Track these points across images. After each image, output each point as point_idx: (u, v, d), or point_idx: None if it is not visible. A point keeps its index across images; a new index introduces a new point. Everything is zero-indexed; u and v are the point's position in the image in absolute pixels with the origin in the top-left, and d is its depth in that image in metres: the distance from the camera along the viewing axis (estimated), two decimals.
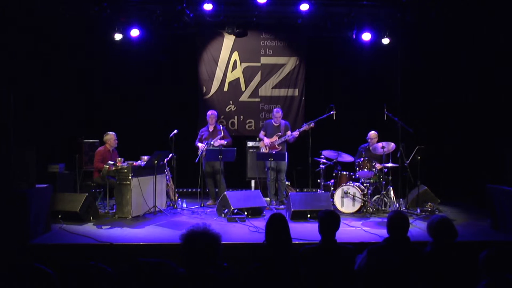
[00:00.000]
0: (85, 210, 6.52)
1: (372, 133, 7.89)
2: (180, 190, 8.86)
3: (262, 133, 8.21)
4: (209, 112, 8.22)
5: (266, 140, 8.01)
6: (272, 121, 8.13)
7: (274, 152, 7.81)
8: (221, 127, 8.07)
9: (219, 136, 7.90)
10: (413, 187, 7.61)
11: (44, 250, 5.13)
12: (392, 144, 7.40)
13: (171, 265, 2.74)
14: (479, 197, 7.06)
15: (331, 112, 7.91)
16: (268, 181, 7.96)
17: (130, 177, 6.75)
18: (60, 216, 6.36)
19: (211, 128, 8.06)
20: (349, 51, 9.07)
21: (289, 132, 7.93)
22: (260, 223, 6.23)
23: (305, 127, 7.82)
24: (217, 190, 7.99)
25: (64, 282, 2.60)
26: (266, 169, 8.03)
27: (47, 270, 2.55)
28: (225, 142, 7.95)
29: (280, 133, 7.99)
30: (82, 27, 8.41)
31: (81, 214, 6.42)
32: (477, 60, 8.39)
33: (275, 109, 8.23)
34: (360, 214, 7.15)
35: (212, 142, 7.90)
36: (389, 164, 7.41)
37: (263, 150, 8.06)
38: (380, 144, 7.37)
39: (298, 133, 7.84)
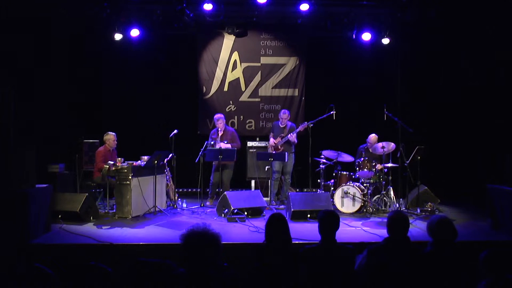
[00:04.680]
0: (85, 210, 6.52)
1: (373, 137, 7.88)
2: (180, 190, 8.85)
3: (271, 134, 8.28)
4: (216, 116, 8.10)
5: (271, 141, 8.08)
6: (279, 122, 8.16)
7: (274, 152, 7.82)
8: (231, 131, 8.08)
9: (218, 140, 7.87)
10: (413, 187, 7.61)
11: (44, 250, 5.12)
12: (392, 144, 7.40)
13: (171, 265, 2.74)
14: (479, 197, 7.06)
15: (331, 112, 7.91)
16: (273, 180, 7.96)
17: (130, 177, 6.75)
18: (60, 216, 6.35)
19: (220, 132, 7.96)
20: (349, 51, 9.06)
21: (292, 134, 7.94)
22: (260, 223, 6.22)
23: (300, 128, 7.83)
24: (219, 190, 7.89)
25: (64, 282, 2.60)
26: (272, 171, 7.96)
27: (47, 270, 2.55)
28: (230, 146, 7.85)
29: (282, 135, 8.01)
30: (82, 27, 8.41)
31: (81, 214, 6.41)
32: (477, 59, 8.39)
33: (282, 111, 8.22)
34: (360, 214, 7.14)
35: (212, 143, 7.90)
36: (389, 164, 7.41)
37: (270, 150, 8.09)
38: (380, 144, 7.36)
39: (293, 135, 7.86)
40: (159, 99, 9.39)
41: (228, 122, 9.23)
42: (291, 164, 8.01)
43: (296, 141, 7.94)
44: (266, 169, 8.08)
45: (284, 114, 8.08)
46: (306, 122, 7.86)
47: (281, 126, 8.10)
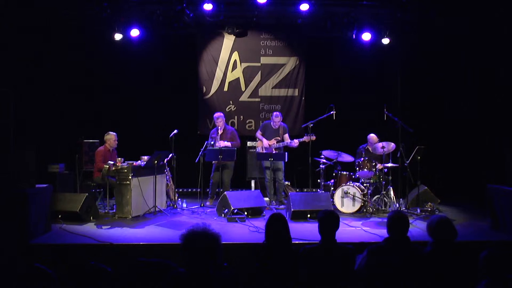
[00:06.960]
0: (85, 210, 6.52)
1: (374, 136, 7.86)
2: (180, 190, 8.86)
3: (259, 133, 8.20)
4: (216, 115, 8.09)
5: (265, 142, 8.01)
6: (271, 123, 8.12)
7: (274, 152, 7.81)
8: (231, 130, 8.06)
9: (218, 139, 7.87)
10: (413, 187, 7.61)
11: (44, 250, 5.12)
12: (392, 144, 7.39)
13: (171, 265, 2.74)
14: (479, 197, 7.06)
15: (331, 112, 7.91)
16: (266, 181, 7.97)
17: (130, 177, 6.74)
18: (60, 216, 6.36)
19: (220, 131, 7.94)
20: (349, 51, 9.06)
21: (286, 136, 7.93)
22: (260, 223, 6.22)
23: (305, 138, 7.77)
24: (219, 190, 7.84)
25: (64, 282, 2.60)
26: (263, 169, 8.03)
27: (47, 270, 2.55)
28: (230, 144, 7.85)
29: (278, 138, 8.00)
30: (82, 27, 8.41)
31: (81, 214, 6.41)
32: (477, 59, 8.39)
33: (274, 113, 8.17)
34: (360, 214, 7.14)
35: (212, 142, 7.90)
36: (389, 164, 7.41)
37: (259, 150, 8.09)
38: (380, 144, 7.36)
39: (298, 142, 7.83)
40: (159, 99, 9.39)
41: (228, 122, 9.22)
42: (282, 162, 7.97)
43: (296, 146, 7.91)
44: (263, 169, 8.06)
45: (276, 118, 8.01)
46: (313, 134, 7.71)
47: (274, 128, 8.08)
